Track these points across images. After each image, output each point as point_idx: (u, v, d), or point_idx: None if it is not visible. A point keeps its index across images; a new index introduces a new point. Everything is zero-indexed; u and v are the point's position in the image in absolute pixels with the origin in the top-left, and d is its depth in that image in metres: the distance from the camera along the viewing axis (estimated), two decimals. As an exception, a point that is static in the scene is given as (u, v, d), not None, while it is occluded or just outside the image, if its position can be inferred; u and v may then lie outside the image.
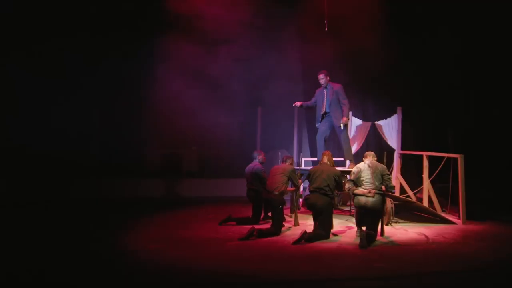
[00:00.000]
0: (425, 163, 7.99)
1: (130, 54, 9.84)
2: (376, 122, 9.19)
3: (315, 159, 8.86)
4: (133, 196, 9.86)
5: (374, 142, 9.58)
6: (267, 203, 6.72)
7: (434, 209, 8.06)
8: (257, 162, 7.45)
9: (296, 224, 7.06)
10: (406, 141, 8.89)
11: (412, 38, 9.17)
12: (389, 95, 9.46)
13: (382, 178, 5.94)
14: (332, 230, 6.59)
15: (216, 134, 11.53)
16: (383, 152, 6.79)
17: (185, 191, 10.55)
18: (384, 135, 9.12)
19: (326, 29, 8.14)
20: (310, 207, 6.26)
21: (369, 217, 5.95)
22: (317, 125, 8.10)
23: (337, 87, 7.87)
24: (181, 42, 9.17)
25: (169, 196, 10.38)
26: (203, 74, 10.26)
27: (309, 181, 6.39)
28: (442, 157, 7.63)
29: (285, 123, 12.25)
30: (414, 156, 8.64)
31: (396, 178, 8.95)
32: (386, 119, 9.06)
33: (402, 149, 8.91)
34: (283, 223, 7.05)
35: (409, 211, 8.25)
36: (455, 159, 7.28)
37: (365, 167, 6.04)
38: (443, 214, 7.72)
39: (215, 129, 11.62)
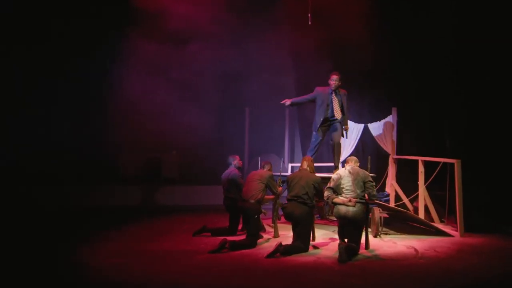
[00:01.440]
0: (421, 168, 7.91)
1: (97, 55, 9.87)
2: (369, 124, 9.15)
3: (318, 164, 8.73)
4: (106, 204, 9.83)
5: (371, 146, 9.54)
6: (242, 212, 6.66)
7: (431, 219, 8.00)
8: (233, 167, 7.39)
9: (276, 235, 6.98)
10: (401, 145, 8.83)
11: (406, 31, 9.13)
12: (383, 94, 9.41)
13: (364, 186, 5.86)
14: (313, 242, 6.55)
15: (199, 136, 11.52)
16: (367, 157, 6.71)
17: (163, 199, 10.50)
18: (377, 138, 9.07)
19: (310, 23, 8.11)
20: (287, 216, 6.19)
21: (350, 228, 5.87)
22: (316, 130, 7.73)
23: (346, 93, 7.78)
24: (152, 40, 9.19)
25: (145, 205, 10.32)
26: (183, 72, 10.29)
27: (287, 189, 6.33)
28: (439, 163, 7.57)
29: (276, 124, 12.26)
30: (410, 161, 8.56)
31: (390, 186, 8.90)
32: (380, 120, 9.01)
33: (397, 154, 8.86)
34: (262, 234, 7.04)
35: (403, 222, 8.18)
36: (453, 165, 7.19)
37: (345, 173, 5.97)
38: (440, 226, 7.63)
39: (198, 131, 11.61)
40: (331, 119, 7.71)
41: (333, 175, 6.10)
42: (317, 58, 9.17)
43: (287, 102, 7.91)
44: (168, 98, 10.82)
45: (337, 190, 5.96)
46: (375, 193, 5.89)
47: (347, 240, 5.86)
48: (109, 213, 9.18)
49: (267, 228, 7.51)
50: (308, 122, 10.98)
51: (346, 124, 7.81)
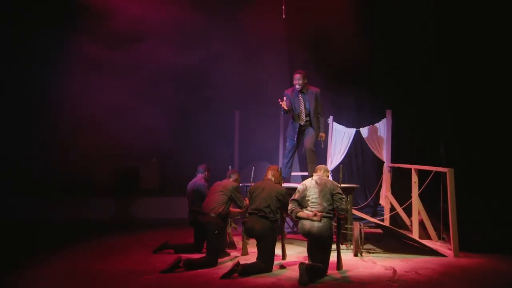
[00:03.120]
0: (414, 178, 7.66)
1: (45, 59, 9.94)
2: (361, 128, 8.95)
3: (305, 173, 8.60)
4: (74, 219, 9.85)
5: (366, 153, 9.37)
6: (200, 227, 6.55)
7: (428, 236, 7.75)
8: (200, 176, 7.32)
9: (245, 253, 6.85)
10: (397, 151, 8.61)
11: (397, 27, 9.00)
12: (376, 95, 9.23)
13: (332, 199, 5.68)
14: (284, 262, 6.41)
15: (182, 143, 11.51)
16: (339, 166, 6.53)
17: (140, 212, 10.45)
18: (370, 144, 8.86)
19: (283, 16, 8.01)
20: (247, 232, 6.05)
21: (315, 247, 5.69)
22: (290, 138, 7.72)
23: (317, 91, 7.63)
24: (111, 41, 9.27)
25: (119, 218, 10.30)
26: (164, 71, 10.30)
27: (249, 201, 6.21)
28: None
29: (269, 128, 12.11)
30: (407, 170, 8.32)
31: (385, 197, 8.69)
32: (372, 124, 8.82)
33: (393, 161, 8.63)
34: (231, 251, 7.00)
35: (398, 239, 7.96)
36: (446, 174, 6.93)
37: (312, 184, 5.78)
38: (437, 244, 7.37)
39: (181, 138, 11.60)
40: (307, 122, 7.62)
41: (299, 186, 5.93)
42: (301, 53, 9.04)
43: (284, 105, 7.59)
44: (152, 100, 10.91)
45: (302, 203, 5.79)
46: (343, 206, 5.67)
47: (314, 260, 5.69)
48: (71, 228, 9.20)
49: (237, 244, 7.37)
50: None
51: (322, 129, 7.60)
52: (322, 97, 7.84)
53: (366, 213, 10.41)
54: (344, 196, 5.75)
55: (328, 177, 5.98)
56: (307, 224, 5.64)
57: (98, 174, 10.76)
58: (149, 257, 6.78)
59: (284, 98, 7.64)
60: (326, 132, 8.31)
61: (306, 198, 5.75)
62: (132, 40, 9.61)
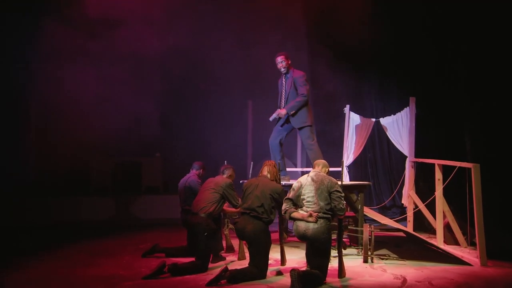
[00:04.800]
0: (438, 175, 7.38)
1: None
2: (381, 119, 8.74)
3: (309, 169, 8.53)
4: (68, 219, 9.94)
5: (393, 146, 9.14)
6: (189, 228, 6.52)
7: (455, 240, 7.48)
8: (194, 172, 7.29)
9: (242, 257, 6.78)
10: (419, 144, 8.36)
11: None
12: (399, 82, 8.99)
13: (330, 197, 5.52)
14: (282, 267, 6.30)
15: (189, 136, 11.54)
16: (341, 161, 6.35)
17: (140, 212, 10.52)
18: (391, 136, 8.64)
19: None
20: (238, 233, 5.94)
21: (311, 251, 5.56)
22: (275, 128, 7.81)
23: (298, 74, 7.60)
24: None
25: (117, 219, 10.38)
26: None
27: (241, 199, 6.13)
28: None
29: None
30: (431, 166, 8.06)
31: (408, 196, 8.46)
32: (394, 114, 8.58)
33: (416, 156, 8.38)
34: (226, 255, 7.00)
35: (420, 244, 7.74)
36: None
37: (307, 181, 5.63)
38: (465, 250, 7.11)
39: (188, 131, 11.63)
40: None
41: (294, 183, 5.79)
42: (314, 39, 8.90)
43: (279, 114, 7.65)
44: (154, 89, 10.98)
45: (297, 202, 5.66)
46: (342, 206, 5.50)
47: (311, 265, 5.56)
48: (61, 230, 9.35)
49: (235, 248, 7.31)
50: (323, 116, 10.76)
51: (285, 108, 7.53)
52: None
53: (393, 214, 10.19)
54: (343, 194, 5.58)
55: (327, 173, 5.81)
56: (301, 225, 5.50)
57: (95, 170, 10.89)
58: (137, 261, 6.79)
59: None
60: (340, 122, 8.13)
61: (301, 197, 5.60)
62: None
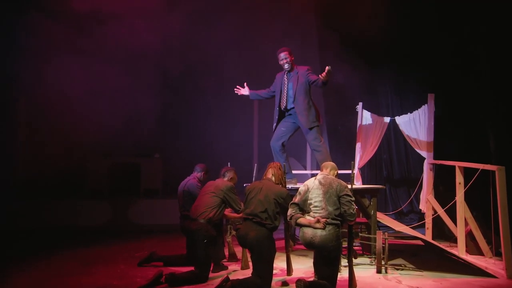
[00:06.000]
0: (459, 178, 7.29)
1: None
2: (397, 117, 8.66)
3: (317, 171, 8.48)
4: (60, 224, 9.94)
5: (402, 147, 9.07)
6: (187, 234, 6.47)
7: (479, 250, 7.37)
8: (194, 175, 7.25)
9: (245, 266, 6.73)
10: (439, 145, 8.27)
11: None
12: (416, 78, 8.91)
13: (339, 202, 5.44)
14: (288, 278, 6.23)
15: (190, 136, 11.51)
16: (351, 162, 6.26)
17: (137, 217, 10.46)
18: (407, 136, 8.54)
19: None
20: (240, 241, 5.87)
21: (319, 259, 5.47)
22: (274, 126, 7.76)
23: (304, 69, 7.51)
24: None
25: (113, 224, 10.35)
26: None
27: (244, 204, 6.06)
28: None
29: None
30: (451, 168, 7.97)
31: (426, 201, 8.37)
32: (411, 112, 8.49)
33: (435, 157, 8.29)
34: (228, 264, 6.99)
35: (439, 253, 7.66)
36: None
37: (315, 184, 5.54)
38: (491, 261, 7.04)
39: (189, 130, 11.60)
40: (289, 109, 7.58)
41: (300, 187, 5.71)
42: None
43: (244, 92, 7.90)
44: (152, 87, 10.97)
45: (304, 207, 5.58)
46: (352, 211, 5.41)
47: (319, 275, 5.48)
48: (55, 235, 9.35)
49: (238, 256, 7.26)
50: (333, 115, 10.68)
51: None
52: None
53: (411, 220, 10.10)
54: (353, 198, 5.49)
55: (335, 175, 5.72)
56: (308, 232, 5.41)
57: (90, 172, 10.88)
58: (132, 270, 6.78)
59: (245, 84, 7.93)
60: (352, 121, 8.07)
61: (308, 202, 5.52)
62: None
